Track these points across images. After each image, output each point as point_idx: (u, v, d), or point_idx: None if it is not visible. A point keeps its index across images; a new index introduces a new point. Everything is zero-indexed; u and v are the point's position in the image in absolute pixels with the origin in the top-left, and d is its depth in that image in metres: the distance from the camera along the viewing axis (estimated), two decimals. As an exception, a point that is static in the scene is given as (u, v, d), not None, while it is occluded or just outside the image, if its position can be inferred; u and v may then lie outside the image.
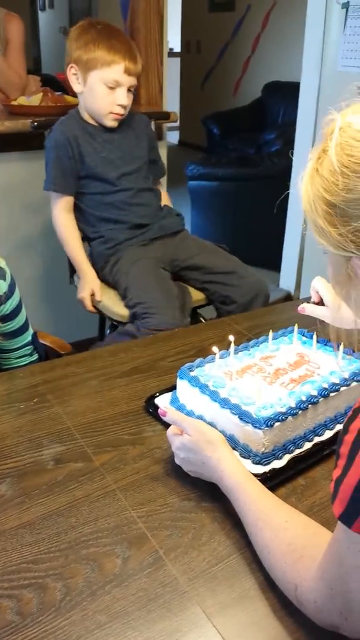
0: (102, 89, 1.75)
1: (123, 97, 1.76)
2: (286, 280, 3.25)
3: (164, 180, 2.14)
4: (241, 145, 5.05)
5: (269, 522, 0.72)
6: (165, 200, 2.02)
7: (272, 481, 0.85)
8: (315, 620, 0.63)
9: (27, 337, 1.32)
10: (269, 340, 1.11)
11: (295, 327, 1.14)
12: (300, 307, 1.12)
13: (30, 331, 1.33)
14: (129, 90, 1.77)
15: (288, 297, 3.18)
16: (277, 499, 0.76)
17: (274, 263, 3.33)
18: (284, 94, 4.99)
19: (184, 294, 1.84)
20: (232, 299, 1.81)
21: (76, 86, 1.80)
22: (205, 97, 6.58)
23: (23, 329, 1.30)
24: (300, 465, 0.89)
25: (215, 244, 1.97)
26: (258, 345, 1.10)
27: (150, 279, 1.75)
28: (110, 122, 1.81)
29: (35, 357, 1.34)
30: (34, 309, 2.36)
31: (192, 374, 0.99)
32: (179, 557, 0.74)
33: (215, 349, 1.02)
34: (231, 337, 1.03)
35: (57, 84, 2.81)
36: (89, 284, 1.81)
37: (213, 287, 1.85)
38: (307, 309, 1.11)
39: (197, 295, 1.87)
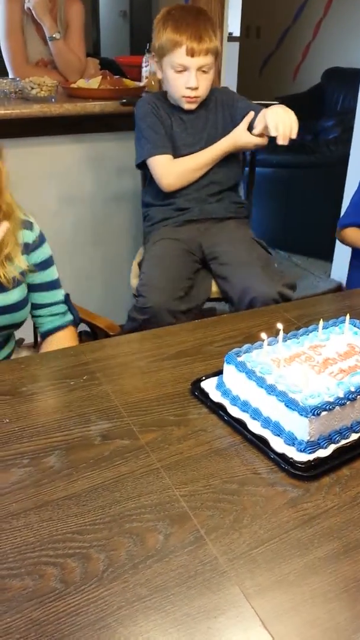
0: (172, 73, 1.76)
1: (192, 80, 1.75)
2: (337, 270, 3.20)
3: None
4: (298, 131, 4.97)
5: None
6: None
7: (316, 470, 0.85)
8: None
9: (59, 295, 1.37)
10: (319, 329, 1.10)
11: (347, 317, 1.12)
12: None
13: (62, 291, 1.38)
14: (202, 71, 1.76)
15: (339, 288, 3.13)
16: None
17: (326, 253, 3.29)
18: (345, 81, 4.86)
19: (201, 283, 1.81)
20: (234, 296, 1.74)
21: (158, 73, 1.84)
22: (263, 83, 6.48)
23: (54, 284, 1.36)
24: (345, 456, 0.89)
25: (256, 239, 1.89)
26: (307, 334, 1.09)
27: (161, 258, 1.75)
28: (186, 105, 1.82)
29: (69, 317, 1.39)
30: (90, 289, 2.42)
31: (239, 359, 0.99)
32: (219, 538, 0.75)
33: (263, 335, 1.02)
34: (280, 325, 1.03)
35: (116, 67, 2.83)
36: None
37: (223, 282, 1.79)
38: None
39: (215, 287, 1.84)
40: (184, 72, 1.74)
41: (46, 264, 1.33)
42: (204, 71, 1.76)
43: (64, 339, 1.37)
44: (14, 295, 1.27)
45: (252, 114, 1.82)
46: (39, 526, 0.76)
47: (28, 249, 1.28)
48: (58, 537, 0.74)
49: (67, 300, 1.39)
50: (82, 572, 0.70)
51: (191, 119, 1.86)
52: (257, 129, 1.67)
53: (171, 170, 1.83)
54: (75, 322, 1.41)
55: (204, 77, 1.77)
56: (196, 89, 1.77)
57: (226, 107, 1.90)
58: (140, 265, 1.86)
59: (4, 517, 0.77)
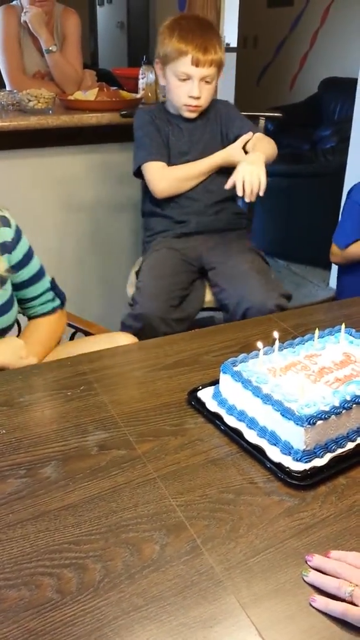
0: (175, 81, 1.78)
1: (194, 89, 1.77)
2: (336, 279, 3.21)
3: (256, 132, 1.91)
4: (295, 141, 4.99)
5: None
6: (256, 141, 1.85)
7: (312, 479, 0.86)
8: None
9: (45, 283, 1.37)
10: (314, 338, 1.10)
11: (343, 326, 1.13)
12: None
13: (48, 278, 1.38)
14: (205, 82, 1.78)
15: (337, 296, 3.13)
16: None
17: (324, 262, 3.29)
18: (341, 90, 4.89)
19: (196, 292, 1.83)
20: (227, 306, 1.75)
21: (161, 80, 1.87)
22: (260, 93, 6.52)
23: (39, 275, 1.35)
24: (341, 465, 0.89)
25: (254, 250, 1.91)
26: (303, 343, 1.10)
27: (157, 268, 1.77)
28: (187, 114, 1.85)
29: (57, 302, 1.40)
30: (90, 299, 2.43)
31: (235, 368, 1.00)
32: (215, 547, 0.75)
33: (259, 345, 1.02)
34: (276, 334, 1.03)
35: (113, 79, 2.85)
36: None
37: (217, 292, 1.81)
38: None
39: (209, 297, 1.86)
40: (187, 80, 1.76)
41: (28, 258, 1.32)
42: (207, 82, 1.78)
43: (54, 323, 1.39)
44: None
45: (249, 134, 1.85)
46: (36, 537, 0.76)
47: (7, 248, 1.26)
48: (54, 547, 0.74)
49: (53, 286, 1.40)
50: (78, 583, 0.70)
51: (189, 128, 1.88)
52: (229, 183, 1.69)
53: (163, 176, 1.85)
54: (62, 304, 1.42)
55: (207, 88, 1.79)
56: (198, 98, 1.79)
57: (224, 120, 1.92)
58: (137, 274, 1.87)
59: (1, 528, 0.77)
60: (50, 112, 2.20)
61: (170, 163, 1.86)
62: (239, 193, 1.64)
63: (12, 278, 1.29)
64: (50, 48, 2.44)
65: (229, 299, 1.74)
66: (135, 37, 6.80)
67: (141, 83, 2.45)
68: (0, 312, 1.26)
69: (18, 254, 1.29)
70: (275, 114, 2.11)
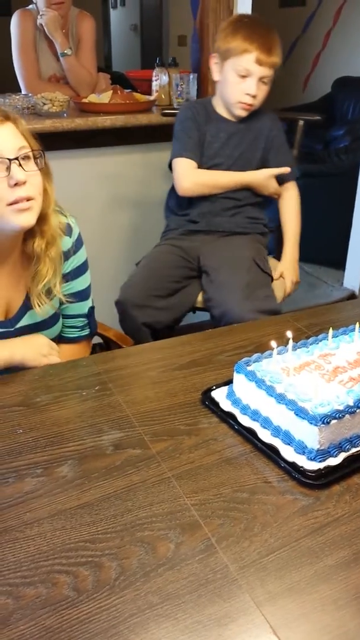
0: (233, 77, 1.78)
1: (252, 87, 1.78)
2: (350, 279, 3.20)
3: (291, 185, 1.99)
4: (308, 141, 4.97)
5: None
6: (287, 205, 1.99)
7: (326, 478, 0.86)
8: None
9: (84, 308, 1.32)
10: (328, 338, 1.10)
11: (357, 325, 1.13)
12: None
13: (89, 303, 1.34)
14: (263, 82, 1.79)
15: (352, 296, 3.12)
16: None
17: (338, 262, 3.28)
18: (355, 90, 4.88)
19: (189, 290, 1.83)
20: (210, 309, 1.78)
21: (215, 74, 1.86)
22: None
23: (81, 295, 1.30)
24: (355, 464, 0.89)
25: (255, 260, 1.87)
26: (317, 343, 1.10)
27: (153, 260, 1.79)
28: (239, 111, 1.84)
29: (86, 332, 1.35)
30: (103, 303, 2.44)
31: (249, 368, 1.00)
32: (230, 546, 0.75)
33: (273, 344, 1.02)
34: (289, 334, 1.04)
35: (126, 82, 2.86)
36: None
37: (205, 296, 1.82)
38: None
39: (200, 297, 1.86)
40: (247, 78, 1.77)
41: (78, 271, 1.27)
42: (264, 82, 1.79)
43: (72, 354, 1.32)
44: (43, 315, 1.24)
45: (287, 169, 1.89)
46: (52, 535, 0.77)
47: (63, 257, 1.23)
48: (71, 545, 0.75)
49: (89, 314, 1.34)
50: (94, 581, 0.71)
51: (229, 131, 1.87)
52: (276, 274, 1.92)
53: (191, 176, 1.85)
54: (91, 336, 1.38)
55: (263, 88, 1.81)
56: (254, 97, 1.79)
57: (271, 141, 1.92)
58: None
59: (18, 526, 0.78)
60: (65, 115, 2.21)
61: (201, 163, 1.86)
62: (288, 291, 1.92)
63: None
64: (65, 51, 2.46)
65: (214, 308, 1.75)
66: (148, 39, 6.82)
67: (155, 85, 2.46)
68: (46, 325, 1.24)
69: (70, 265, 1.25)
70: (315, 117, 2.11)
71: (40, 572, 0.72)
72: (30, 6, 2.53)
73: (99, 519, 0.79)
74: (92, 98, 2.33)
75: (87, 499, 0.83)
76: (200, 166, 1.86)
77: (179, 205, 1.93)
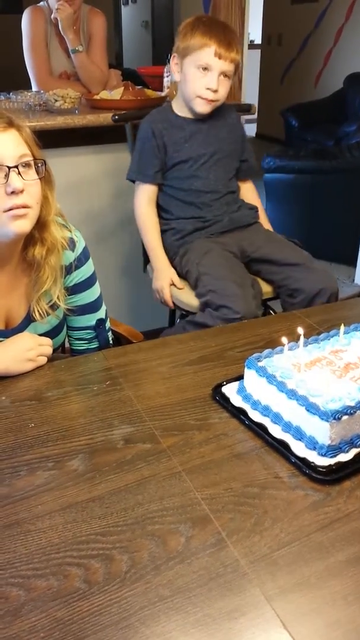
0: (194, 72, 1.77)
1: (213, 81, 1.76)
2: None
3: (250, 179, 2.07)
4: (320, 137, 4.96)
5: None
6: (250, 195, 2.02)
7: (337, 474, 0.85)
8: None
9: (91, 320, 1.30)
10: (340, 334, 1.10)
11: (368, 322, 1.12)
12: None
13: (97, 316, 1.31)
14: (224, 77, 1.78)
15: (363, 294, 3.11)
16: None
17: (349, 258, 3.27)
18: (367, 86, 4.86)
19: (256, 284, 1.84)
20: (298, 291, 1.78)
21: (176, 75, 1.85)
22: (284, 89, 6.49)
23: (88, 308, 1.28)
24: (366, 460, 0.89)
25: (288, 238, 1.94)
26: (329, 339, 1.09)
27: (224, 268, 1.75)
28: (200, 107, 1.81)
29: (94, 344, 1.33)
30: (108, 297, 2.45)
31: (260, 364, 1.00)
32: (240, 540, 0.75)
33: (284, 340, 1.02)
34: (300, 330, 1.03)
35: (138, 78, 2.86)
36: (166, 273, 1.84)
37: (279, 280, 1.83)
38: None
39: (266, 288, 1.86)
40: (207, 72, 1.76)
41: (83, 286, 1.26)
42: (225, 77, 1.78)
43: None
44: (45, 326, 1.23)
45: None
46: (64, 528, 0.77)
47: (65, 271, 1.22)
48: (82, 538, 0.76)
49: (98, 326, 1.31)
50: (105, 573, 0.71)
51: (201, 127, 1.87)
52: None
53: (142, 208, 1.88)
54: (100, 349, 1.33)
55: (225, 84, 1.79)
56: (216, 91, 1.78)
57: (244, 137, 1.98)
58: (189, 278, 1.83)
59: (30, 519, 0.79)
60: (77, 111, 2.22)
61: (180, 164, 1.85)
62: None
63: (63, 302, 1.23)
64: (77, 48, 2.47)
65: (298, 283, 1.78)
66: (159, 36, 6.83)
67: (166, 81, 2.46)
68: (49, 336, 1.22)
69: (75, 278, 1.24)
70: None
71: (51, 565, 0.72)
72: (41, 3, 2.54)
73: (109, 512, 0.80)
74: (104, 95, 2.33)
75: (98, 492, 0.83)
76: (174, 166, 1.85)
77: (184, 211, 1.90)
